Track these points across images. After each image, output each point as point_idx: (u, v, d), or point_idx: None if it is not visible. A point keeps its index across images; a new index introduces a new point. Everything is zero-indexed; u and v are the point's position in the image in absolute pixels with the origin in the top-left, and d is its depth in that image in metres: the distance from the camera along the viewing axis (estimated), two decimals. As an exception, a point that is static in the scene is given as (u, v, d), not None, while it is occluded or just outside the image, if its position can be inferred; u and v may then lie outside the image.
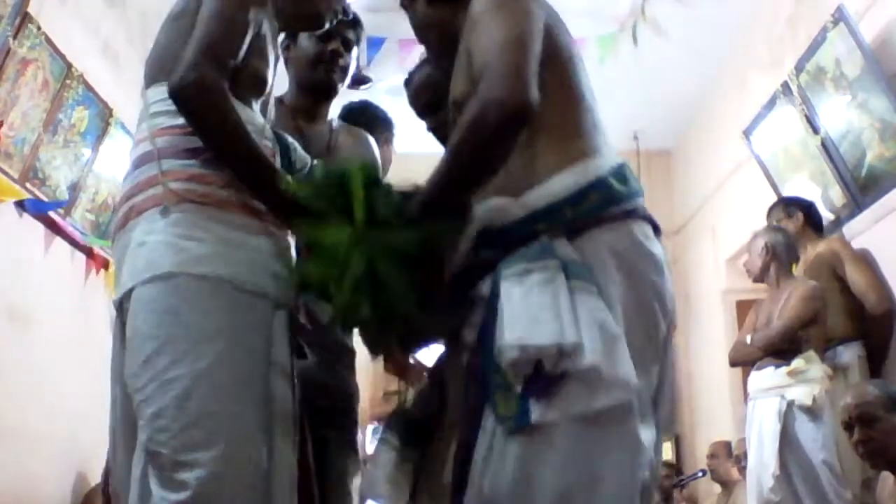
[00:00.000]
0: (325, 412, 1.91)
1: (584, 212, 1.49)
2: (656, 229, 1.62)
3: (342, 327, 1.71)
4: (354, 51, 2.39)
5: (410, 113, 2.18)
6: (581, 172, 1.51)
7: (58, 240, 3.90)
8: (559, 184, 1.49)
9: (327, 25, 1.91)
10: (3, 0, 3.19)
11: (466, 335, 1.53)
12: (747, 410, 3.81)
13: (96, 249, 4.33)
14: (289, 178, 1.61)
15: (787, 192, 4.59)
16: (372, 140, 2.52)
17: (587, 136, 1.58)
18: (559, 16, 1.65)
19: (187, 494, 1.40)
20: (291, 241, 1.65)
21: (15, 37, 3.29)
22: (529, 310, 1.38)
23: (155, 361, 1.46)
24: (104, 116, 4.17)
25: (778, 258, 3.85)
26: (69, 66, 3.75)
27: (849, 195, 4.06)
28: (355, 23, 2.34)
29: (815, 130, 4.18)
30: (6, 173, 3.46)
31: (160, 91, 1.64)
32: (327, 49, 2.31)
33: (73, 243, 4.10)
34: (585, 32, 5.35)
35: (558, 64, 1.57)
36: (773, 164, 4.77)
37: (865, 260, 3.88)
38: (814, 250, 3.95)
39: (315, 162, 1.86)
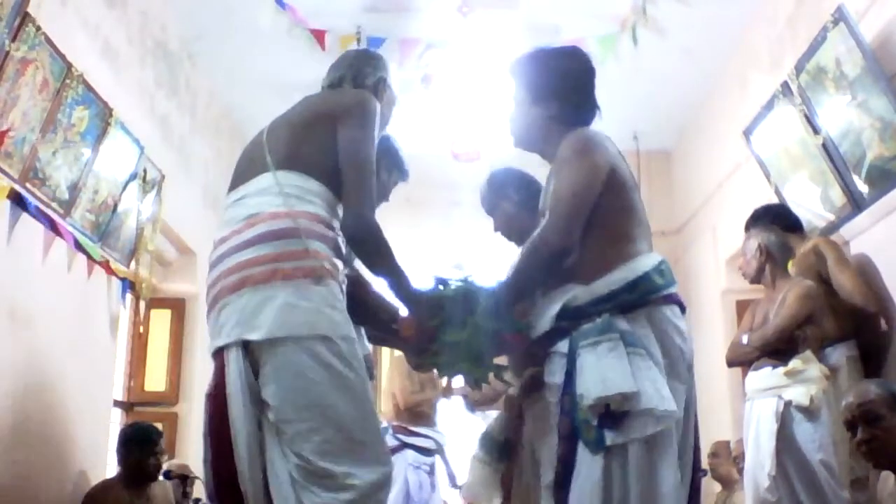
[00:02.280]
0: None
1: (633, 297, 2.14)
2: (682, 308, 2.29)
3: (448, 376, 2.41)
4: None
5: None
6: (632, 269, 2.17)
7: (58, 240, 3.90)
8: (616, 276, 2.15)
9: None
10: (2, 0, 3.19)
11: (549, 379, 2.18)
12: (745, 410, 3.81)
13: (97, 249, 4.34)
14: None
15: (788, 192, 4.59)
16: None
17: (637, 241, 2.23)
18: (620, 153, 2.31)
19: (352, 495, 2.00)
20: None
21: (14, 37, 3.29)
22: (601, 371, 2.03)
23: (319, 401, 1.99)
24: (104, 116, 4.17)
25: (772, 258, 3.85)
26: (69, 66, 3.74)
27: (849, 195, 4.06)
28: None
29: (816, 130, 4.18)
30: (6, 173, 3.45)
31: (295, 177, 2.12)
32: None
33: (74, 243, 4.10)
34: (585, 32, 5.36)
35: (620, 192, 2.23)
36: (773, 164, 4.77)
37: (851, 261, 3.87)
38: (801, 250, 3.95)
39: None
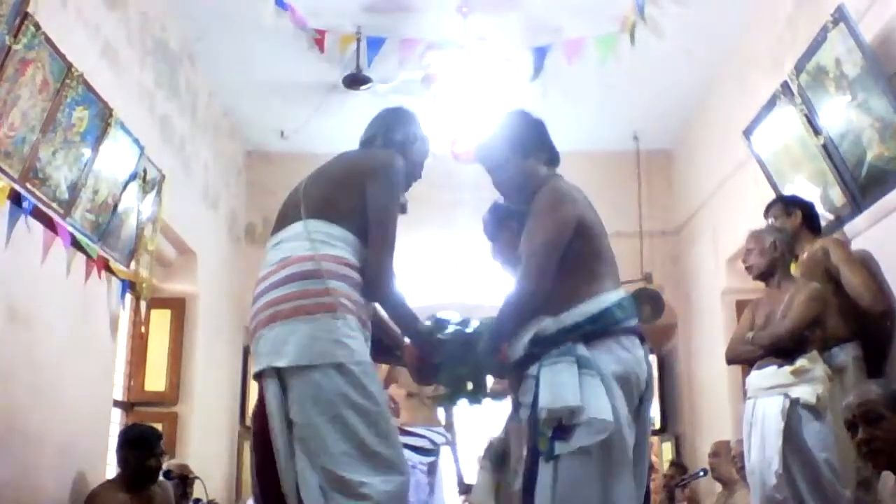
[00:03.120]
0: None
1: (595, 328, 2.45)
2: (642, 338, 2.57)
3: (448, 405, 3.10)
4: None
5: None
6: (596, 304, 2.47)
7: (58, 240, 3.90)
8: (581, 310, 2.45)
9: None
10: (2, 0, 3.19)
11: (522, 399, 2.48)
12: (745, 409, 3.81)
13: (97, 249, 4.34)
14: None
15: (788, 192, 4.59)
16: None
17: (602, 280, 2.54)
18: (589, 202, 2.64)
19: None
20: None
21: (14, 36, 3.29)
22: (553, 388, 2.33)
23: (335, 419, 2.29)
24: (104, 116, 4.17)
25: (783, 258, 3.85)
26: (69, 66, 3.74)
27: (849, 195, 4.06)
28: None
29: (816, 130, 4.18)
30: (6, 174, 3.45)
31: (323, 224, 2.46)
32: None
33: (74, 243, 4.10)
34: (585, 32, 5.36)
35: (588, 239, 2.55)
36: (773, 164, 4.77)
37: (858, 259, 3.87)
38: (809, 250, 3.95)
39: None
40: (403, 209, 2.80)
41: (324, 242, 2.42)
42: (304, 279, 2.37)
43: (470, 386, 2.69)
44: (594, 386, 2.33)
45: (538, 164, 2.74)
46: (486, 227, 3.09)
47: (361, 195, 2.48)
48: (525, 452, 2.43)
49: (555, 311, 2.46)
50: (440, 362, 2.65)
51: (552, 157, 2.80)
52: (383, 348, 2.79)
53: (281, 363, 2.33)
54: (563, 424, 2.31)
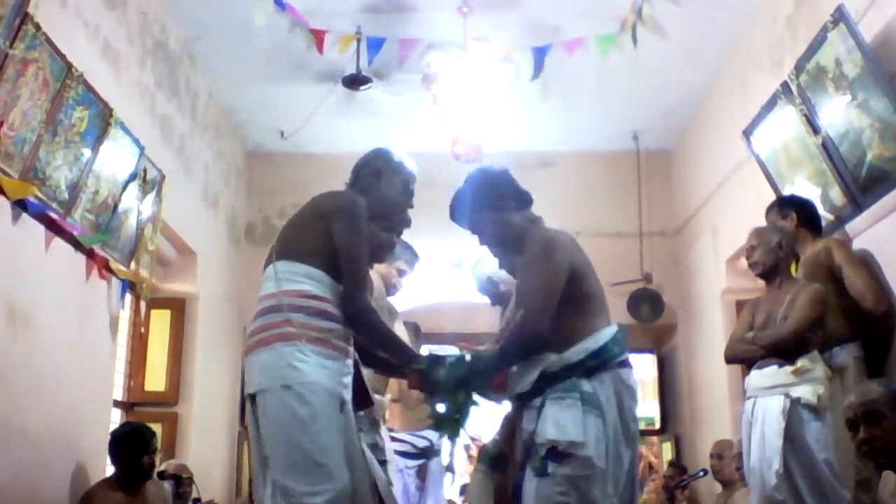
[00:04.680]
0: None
1: (596, 363, 2.72)
2: (631, 367, 2.85)
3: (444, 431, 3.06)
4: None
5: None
6: (595, 340, 2.74)
7: (58, 240, 3.90)
8: (582, 347, 2.73)
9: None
10: (2, 0, 3.19)
11: (525, 426, 2.78)
12: (745, 408, 3.81)
13: (97, 249, 4.34)
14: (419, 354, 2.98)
15: (788, 192, 4.59)
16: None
17: (596, 316, 2.82)
18: (574, 241, 2.90)
19: None
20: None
21: (15, 37, 3.29)
22: (560, 422, 2.63)
23: (284, 435, 2.56)
24: (104, 116, 4.17)
25: (787, 258, 3.85)
26: (69, 66, 3.74)
27: (849, 195, 4.06)
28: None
29: (815, 130, 4.18)
30: (6, 173, 3.45)
31: (287, 264, 2.71)
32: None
33: (74, 243, 4.10)
34: (585, 32, 5.36)
35: (580, 281, 2.81)
36: (773, 164, 4.77)
37: (861, 260, 3.87)
38: (811, 250, 3.95)
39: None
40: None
41: (287, 280, 2.68)
42: (267, 314, 2.67)
43: (461, 418, 2.87)
44: (595, 426, 2.63)
45: (511, 214, 2.97)
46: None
47: (327, 234, 2.72)
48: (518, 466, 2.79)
49: (558, 349, 2.73)
50: (436, 393, 2.88)
51: (523, 201, 3.02)
52: (391, 366, 3.08)
53: (249, 390, 2.66)
54: (557, 450, 2.61)
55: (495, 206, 2.97)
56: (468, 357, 2.86)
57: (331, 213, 2.77)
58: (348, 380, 2.71)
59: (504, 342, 2.92)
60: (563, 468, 2.61)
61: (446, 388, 2.81)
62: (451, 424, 2.89)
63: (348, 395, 2.70)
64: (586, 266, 2.87)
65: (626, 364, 2.82)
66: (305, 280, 2.69)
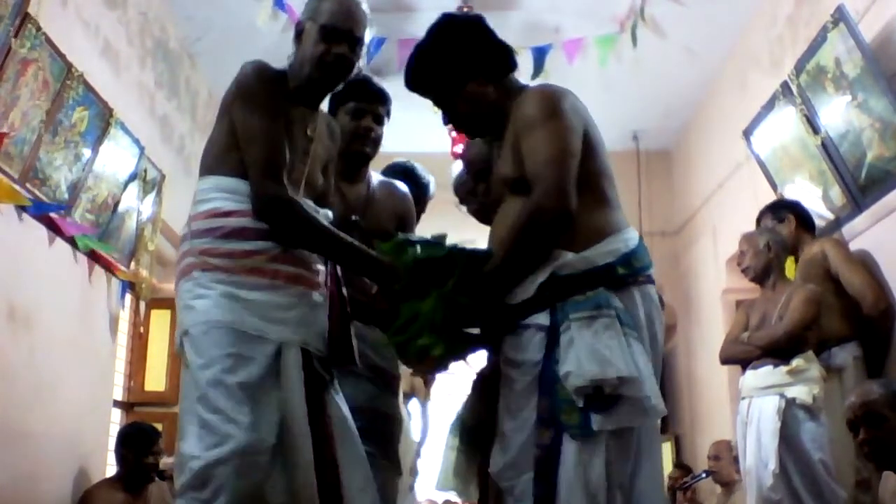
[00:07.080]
0: (363, 431, 2.20)
1: (626, 273, 1.96)
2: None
3: (409, 359, 2.12)
4: (385, 123, 2.83)
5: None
6: (624, 241, 1.99)
7: (59, 240, 3.90)
8: (610, 247, 1.95)
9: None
10: (3, 0, 3.19)
11: (521, 355, 1.95)
12: (740, 408, 3.81)
13: (97, 249, 4.34)
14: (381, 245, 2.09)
15: (788, 192, 4.59)
16: (405, 191, 2.89)
17: (618, 210, 2.06)
18: (589, 113, 2.09)
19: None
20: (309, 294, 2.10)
21: (15, 37, 3.29)
22: (598, 350, 1.83)
23: (183, 389, 2.04)
24: (104, 116, 4.17)
25: (778, 259, 3.85)
26: (69, 66, 3.74)
27: (849, 195, 4.06)
28: (384, 99, 2.80)
29: (815, 130, 4.18)
30: (6, 174, 3.45)
31: (200, 183, 2.15)
32: (361, 125, 2.72)
33: (74, 243, 4.10)
34: (585, 32, 5.36)
35: (598, 153, 2.05)
36: (773, 164, 4.77)
37: (859, 260, 3.87)
38: (809, 251, 3.95)
39: (409, 237, 2.26)
40: (344, 75, 2.22)
41: (197, 203, 2.12)
42: (179, 247, 2.16)
43: (435, 336, 1.95)
44: (641, 353, 1.89)
45: (484, 87, 2.16)
46: (457, 191, 2.71)
47: (232, 129, 2.13)
48: (530, 425, 1.92)
49: (575, 246, 1.93)
50: (405, 293, 1.98)
51: (502, 66, 2.18)
52: (362, 307, 2.29)
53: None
54: (600, 395, 1.83)
55: (459, 77, 2.16)
56: (458, 249, 2.00)
57: (229, 101, 2.16)
58: (296, 315, 2.05)
59: (512, 234, 1.96)
60: (616, 419, 1.85)
61: (421, 278, 1.95)
62: (432, 341, 1.94)
63: (298, 337, 2.04)
64: (598, 133, 2.10)
65: (652, 280, 2.06)
66: (216, 196, 2.10)
